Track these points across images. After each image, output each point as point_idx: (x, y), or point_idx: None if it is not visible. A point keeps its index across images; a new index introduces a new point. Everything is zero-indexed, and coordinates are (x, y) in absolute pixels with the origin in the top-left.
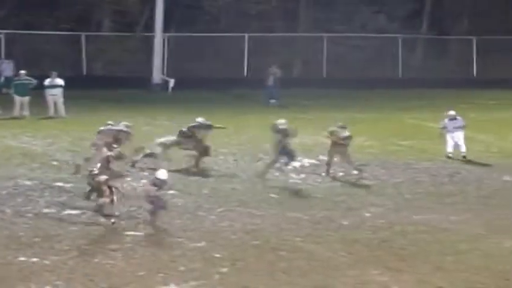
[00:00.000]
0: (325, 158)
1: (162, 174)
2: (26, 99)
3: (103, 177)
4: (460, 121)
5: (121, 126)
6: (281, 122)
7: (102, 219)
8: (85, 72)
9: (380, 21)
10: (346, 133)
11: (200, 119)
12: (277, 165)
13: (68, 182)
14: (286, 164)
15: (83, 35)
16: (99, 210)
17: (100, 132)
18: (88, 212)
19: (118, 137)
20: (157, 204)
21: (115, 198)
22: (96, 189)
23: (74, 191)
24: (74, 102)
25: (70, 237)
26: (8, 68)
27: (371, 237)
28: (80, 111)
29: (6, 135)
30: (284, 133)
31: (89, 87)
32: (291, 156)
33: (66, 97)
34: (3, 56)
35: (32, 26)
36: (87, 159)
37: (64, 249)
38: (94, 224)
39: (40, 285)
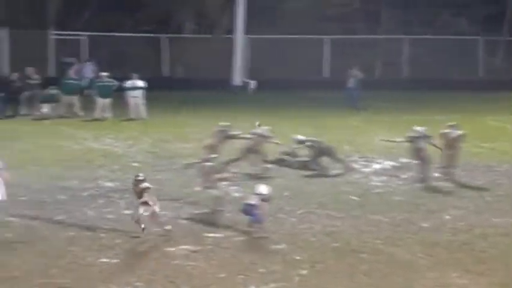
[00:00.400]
0: (406, 160)
1: (264, 189)
2: (108, 101)
3: (145, 185)
4: None
5: (264, 130)
6: (418, 129)
7: (183, 221)
8: (165, 74)
9: (460, 24)
10: (457, 132)
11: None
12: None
13: (149, 184)
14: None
15: (164, 37)
16: (136, 220)
17: (217, 132)
18: (169, 214)
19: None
20: (257, 218)
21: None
22: (138, 195)
23: (157, 193)
24: (154, 104)
25: (150, 238)
26: (89, 69)
27: (451, 239)
28: (160, 112)
29: (87, 137)
30: (417, 139)
31: (169, 89)
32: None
33: (147, 99)
34: (86, 57)
35: (114, 28)
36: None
37: (145, 250)
38: (174, 225)
39: (121, 287)
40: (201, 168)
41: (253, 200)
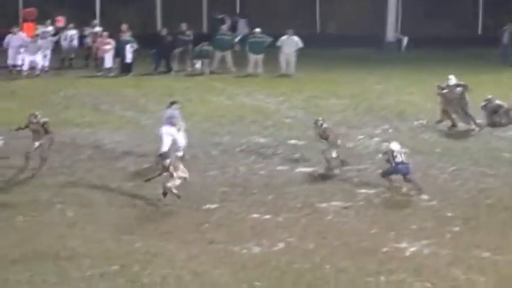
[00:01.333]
0: None
1: (395, 145)
2: (260, 57)
3: (169, 161)
4: None
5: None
6: None
7: (333, 177)
8: (318, 31)
9: None
10: None
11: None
12: None
13: (301, 140)
14: None
15: None
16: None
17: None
18: (319, 170)
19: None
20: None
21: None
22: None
23: (308, 149)
24: (306, 60)
25: (303, 194)
26: (244, 25)
27: None
28: (312, 69)
29: (240, 93)
30: None
31: (322, 46)
32: None
33: (299, 55)
34: (237, 13)
35: None
36: None
37: (297, 206)
38: (327, 181)
39: (273, 242)
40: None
41: (401, 158)
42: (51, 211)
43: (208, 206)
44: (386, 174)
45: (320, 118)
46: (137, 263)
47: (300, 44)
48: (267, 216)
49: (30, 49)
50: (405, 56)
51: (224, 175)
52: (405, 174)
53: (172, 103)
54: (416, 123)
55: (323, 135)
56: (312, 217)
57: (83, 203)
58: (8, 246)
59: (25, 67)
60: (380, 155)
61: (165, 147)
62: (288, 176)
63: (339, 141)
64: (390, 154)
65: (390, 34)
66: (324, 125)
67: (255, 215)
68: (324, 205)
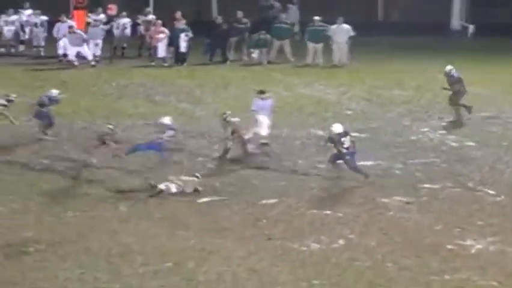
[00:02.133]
0: None
1: (338, 127)
2: (320, 46)
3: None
4: None
5: None
6: None
7: (397, 171)
8: (380, 19)
9: None
10: None
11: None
12: None
13: (362, 132)
14: None
15: None
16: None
17: None
18: (382, 164)
19: None
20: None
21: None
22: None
23: (370, 142)
24: (368, 49)
25: (363, 189)
26: (293, 13)
27: None
28: (374, 59)
29: (298, 84)
30: None
31: (384, 34)
32: None
33: (360, 44)
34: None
35: None
36: None
37: (358, 201)
38: (388, 176)
39: (332, 239)
40: None
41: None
42: (103, 206)
43: (265, 201)
44: (332, 160)
45: (228, 112)
46: (192, 260)
47: (352, 32)
48: (327, 212)
49: (73, 40)
50: (471, 44)
51: (282, 168)
52: (348, 161)
53: (260, 92)
54: (482, 115)
55: (234, 130)
56: (373, 213)
57: (136, 198)
58: (58, 242)
59: (71, 57)
60: (322, 143)
61: (263, 131)
62: (349, 170)
63: (250, 134)
64: (337, 139)
65: (456, 22)
66: (232, 119)
67: (314, 211)
68: (385, 200)
